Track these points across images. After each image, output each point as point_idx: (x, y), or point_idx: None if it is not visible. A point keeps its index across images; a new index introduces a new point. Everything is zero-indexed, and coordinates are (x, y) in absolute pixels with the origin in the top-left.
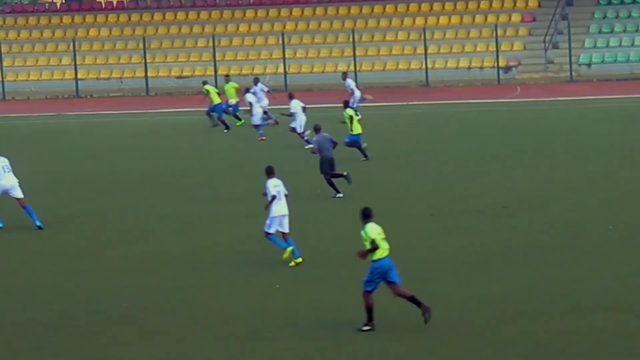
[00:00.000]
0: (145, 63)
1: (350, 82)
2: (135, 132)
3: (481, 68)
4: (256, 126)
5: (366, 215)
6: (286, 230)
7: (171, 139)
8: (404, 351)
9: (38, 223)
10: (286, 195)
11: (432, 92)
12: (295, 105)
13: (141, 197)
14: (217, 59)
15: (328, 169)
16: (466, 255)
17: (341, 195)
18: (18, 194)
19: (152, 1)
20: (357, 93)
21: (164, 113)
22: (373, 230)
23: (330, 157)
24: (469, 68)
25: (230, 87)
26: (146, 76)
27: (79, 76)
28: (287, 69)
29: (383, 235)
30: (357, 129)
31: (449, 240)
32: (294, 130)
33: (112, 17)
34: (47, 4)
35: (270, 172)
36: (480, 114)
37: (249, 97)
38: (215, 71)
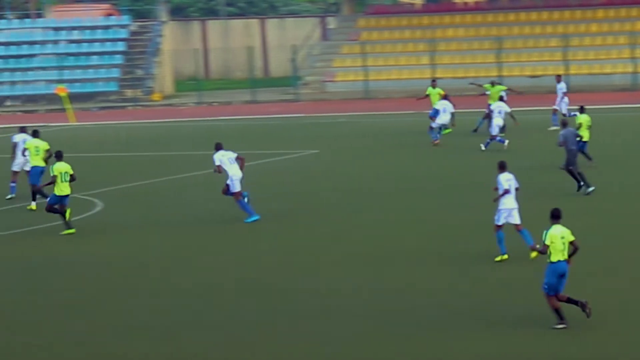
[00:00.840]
0: (500, 62)
1: (562, 86)
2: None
3: None
4: (431, 129)
5: (553, 216)
6: (517, 222)
7: (525, 138)
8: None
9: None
10: (517, 189)
11: None
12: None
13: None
14: (568, 58)
15: (573, 162)
16: None
17: (592, 188)
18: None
19: (507, 1)
20: (566, 99)
21: (517, 112)
22: (554, 233)
23: (576, 151)
24: None
25: (436, 94)
26: (500, 75)
27: (436, 75)
28: (637, 69)
29: (570, 238)
30: (585, 135)
31: None
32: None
33: (468, 17)
34: (408, 5)
35: (502, 167)
36: None
37: (443, 104)
38: (566, 70)
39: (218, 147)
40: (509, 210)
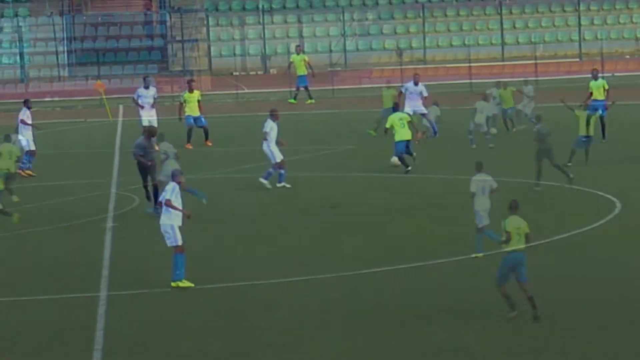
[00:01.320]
0: (536, 58)
1: (530, 90)
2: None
3: None
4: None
5: (511, 207)
6: (483, 223)
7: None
8: None
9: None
10: (494, 190)
11: None
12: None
13: None
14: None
15: (545, 156)
16: None
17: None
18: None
19: None
20: (533, 104)
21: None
22: (512, 223)
23: (549, 147)
24: None
25: (389, 94)
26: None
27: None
28: None
29: (526, 231)
30: (583, 130)
31: None
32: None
33: (504, 10)
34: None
35: (478, 167)
36: None
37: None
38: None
39: (161, 139)
40: (481, 211)
